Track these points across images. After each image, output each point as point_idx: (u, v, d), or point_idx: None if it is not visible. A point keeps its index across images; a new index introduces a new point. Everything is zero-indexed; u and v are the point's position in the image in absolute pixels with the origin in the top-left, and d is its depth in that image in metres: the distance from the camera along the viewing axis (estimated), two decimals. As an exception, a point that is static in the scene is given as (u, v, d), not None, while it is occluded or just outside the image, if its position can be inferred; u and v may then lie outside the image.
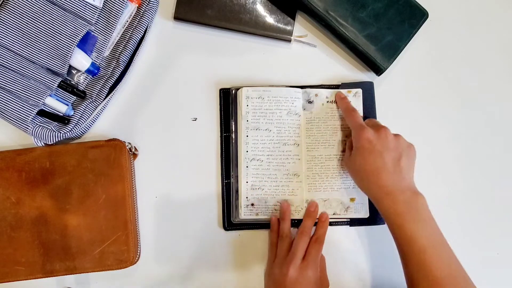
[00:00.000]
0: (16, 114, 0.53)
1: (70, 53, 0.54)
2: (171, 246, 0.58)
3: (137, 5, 0.58)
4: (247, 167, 0.57)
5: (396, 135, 0.54)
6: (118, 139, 0.56)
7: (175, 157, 0.59)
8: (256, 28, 0.60)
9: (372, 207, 0.58)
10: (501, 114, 0.63)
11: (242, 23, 0.60)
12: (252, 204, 0.57)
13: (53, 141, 0.54)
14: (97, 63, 0.57)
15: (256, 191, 0.57)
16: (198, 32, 0.61)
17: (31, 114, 0.53)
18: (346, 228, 0.59)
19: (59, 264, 0.53)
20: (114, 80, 0.57)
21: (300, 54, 0.62)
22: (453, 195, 0.61)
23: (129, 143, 0.57)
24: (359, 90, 0.60)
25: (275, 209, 0.57)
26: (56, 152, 0.54)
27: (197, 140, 0.60)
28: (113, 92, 0.57)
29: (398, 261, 0.59)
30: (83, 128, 0.57)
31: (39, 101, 0.53)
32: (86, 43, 0.56)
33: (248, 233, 0.59)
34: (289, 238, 0.56)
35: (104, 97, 0.57)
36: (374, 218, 0.58)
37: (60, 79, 0.55)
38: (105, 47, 0.57)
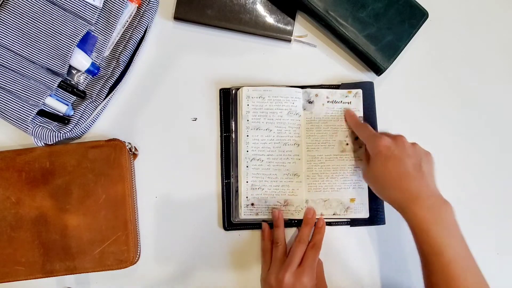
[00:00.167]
0: (16, 114, 0.53)
1: (70, 53, 0.54)
2: (171, 246, 0.58)
3: (137, 5, 0.58)
4: (247, 167, 0.57)
5: (413, 143, 0.53)
6: (118, 139, 0.56)
7: (175, 157, 0.59)
8: (256, 28, 0.60)
9: (372, 207, 0.58)
10: (501, 114, 0.63)
11: (242, 23, 0.60)
12: (252, 204, 0.57)
13: (53, 141, 0.54)
14: (97, 63, 0.57)
15: (256, 191, 0.57)
16: (198, 32, 0.61)
17: (31, 114, 0.53)
18: (346, 228, 0.59)
19: (59, 264, 0.53)
20: (114, 80, 0.57)
21: (300, 54, 0.62)
22: (452, 195, 0.61)
23: (129, 143, 0.57)
24: (359, 91, 0.60)
25: (275, 208, 0.57)
26: (56, 152, 0.54)
27: (197, 140, 0.60)
28: (113, 92, 0.57)
29: (398, 262, 0.59)
30: (83, 128, 0.57)
31: (39, 101, 0.53)
32: (86, 43, 0.56)
33: (248, 233, 0.59)
34: (284, 245, 0.56)
35: (104, 97, 0.57)
36: (374, 218, 0.58)
37: (60, 79, 0.55)
38: (105, 47, 0.57)
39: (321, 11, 0.58)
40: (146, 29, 0.59)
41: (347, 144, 0.59)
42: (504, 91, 0.63)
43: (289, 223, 0.58)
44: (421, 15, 0.60)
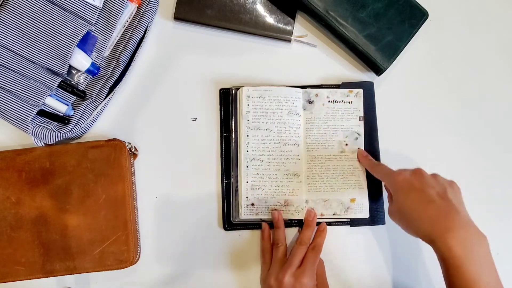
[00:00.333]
0: (16, 114, 0.53)
1: (70, 53, 0.54)
2: (171, 246, 0.58)
3: (137, 5, 0.58)
4: (247, 167, 0.57)
5: (433, 174, 0.50)
6: (118, 139, 0.56)
7: (175, 157, 0.59)
8: (256, 28, 0.60)
9: (372, 207, 0.58)
10: (501, 114, 0.63)
11: (242, 23, 0.60)
12: (252, 204, 0.57)
13: (53, 141, 0.54)
14: (97, 63, 0.57)
15: (256, 191, 0.57)
16: (198, 32, 0.61)
17: (31, 114, 0.53)
18: (347, 228, 0.59)
19: (59, 264, 0.53)
20: (114, 80, 0.57)
21: (300, 54, 0.62)
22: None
23: (129, 143, 0.57)
24: (361, 90, 0.60)
25: (275, 209, 0.57)
26: (56, 152, 0.54)
27: (197, 140, 0.60)
28: (113, 92, 0.57)
29: (398, 261, 0.59)
30: (83, 128, 0.57)
31: (39, 101, 0.53)
32: (86, 43, 0.56)
33: (248, 233, 0.59)
34: (284, 246, 0.56)
35: (104, 97, 0.57)
36: (374, 218, 0.58)
37: (60, 79, 0.55)
38: (105, 47, 0.57)
39: (321, 11, 0.58)
40: (146, 29, 0.59)
41: (347, 144, 0.59)
42: (504, 91, 0.63)
43: (289, 223, 0.58)
44: (421, 15, 0.60)
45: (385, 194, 0.59)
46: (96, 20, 0.56)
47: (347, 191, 0.58)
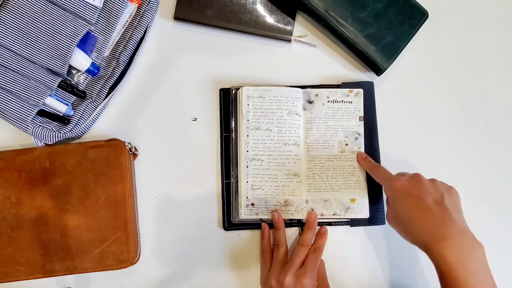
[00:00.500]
0: (16, 114, 0.53)
1: (70, 53, 0.54)
2: (171, 246, 0.58)
3: (137, 5, 0.58)
4: (247, 167, 0.57)
5: (431, 179, 0.50)
6: (118, 139, 0.56)
7: (175, 157, 0.59)
8: (256, 28, 0.60)
9: (372, 207, 0.58)
10: (501, 114, 0.63)
11: (242, 23, 0.60)
12: (252, 204, 0.57)
13: (53, 141, 0.54)
14: (97, 63, 0.57)
15: (256, 191, 0.57)
16: (198, 32, 0.61)
17: (31, 114, 0.53)
18: (347, 228, 0.59)
19: (59, 264, 0.53)
20: (114, 80, 0.57)
21: (300, 54, 0.62)
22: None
23: (129, 143, 0.57)
24: (361, 90, 0.60)
25: (275, 209, 0.57)
26: (56, 152, 0.54)
27: (197, 140, 0.60)
28: (113, 92, 0.57)
29: (398, 261, 0.59)
30: (83, 128, 0.57)
31: (39, 101, 0.53)
32: (86, 43, 0.56)
33: (248, 233, 0.59)
34: (285, 247, 0.56)
35: (104, 97, 0.57)
36: (374, 218, 0.58)
37: (60, 79, 0.55)
38: (105, 47, 0.57)
39: (321, 11, 0.58)
40: (146, 29, 0.59)
41: (347, 144, 0.59)
42: (504, 91, 0.63)
43: (289, 223, 0.58)
44: (421, 15, 0.60)
45: (385, 194, 0.59)
46: (96, 20, 0.56)
47: (347, 191, 0.58)
